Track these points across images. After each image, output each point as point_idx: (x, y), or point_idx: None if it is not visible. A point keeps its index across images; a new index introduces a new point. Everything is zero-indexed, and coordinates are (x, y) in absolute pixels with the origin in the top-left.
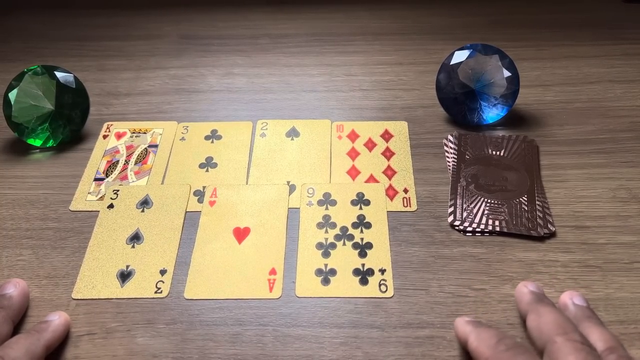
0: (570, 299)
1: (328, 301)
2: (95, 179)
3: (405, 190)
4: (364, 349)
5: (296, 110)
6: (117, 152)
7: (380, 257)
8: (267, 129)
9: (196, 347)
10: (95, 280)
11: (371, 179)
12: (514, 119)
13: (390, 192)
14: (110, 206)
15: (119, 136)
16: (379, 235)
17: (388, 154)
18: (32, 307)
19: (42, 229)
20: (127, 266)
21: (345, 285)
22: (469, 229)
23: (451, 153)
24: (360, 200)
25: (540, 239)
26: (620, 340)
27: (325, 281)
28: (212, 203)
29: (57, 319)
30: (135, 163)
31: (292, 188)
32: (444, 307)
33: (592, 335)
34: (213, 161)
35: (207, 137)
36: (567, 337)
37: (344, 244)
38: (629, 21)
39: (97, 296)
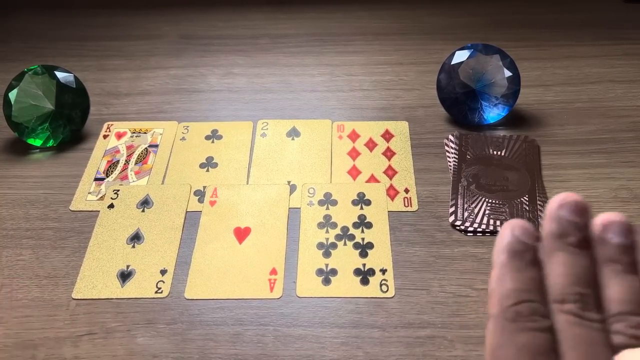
0: (605, 229)
1: (329, 301)
2: (96, 179)
3: (406, 190)
4: (364, 349)
5: (297, 110)
6: (118, 152)
7: (381, 257)
8: (267, 128)
9: (196, 347)
10: (95, 280)
11: (372, 178)
12: (515, 119)
13: (391, 192)
14: (111, 206)
15: (119, 136)
16: (379, 235)
17: (389, 153)
18: (32, 307)
19: (42, 229)
20: (128, 266)
21: (346, 285)
22: (470, 229)
23: (452, 153)
24: (361, 200)
25: None
26: None
27: (326, 281)
28: (212, 203)
29: None
30: (136, 163)
31: (292, 188)
32: (445, 307)
33: (608, 289)
34: (213, 161)
35: (207, 137)
36: (565, 308)
37: (345, 243)
38: (629, 21)
39: (97, 296)
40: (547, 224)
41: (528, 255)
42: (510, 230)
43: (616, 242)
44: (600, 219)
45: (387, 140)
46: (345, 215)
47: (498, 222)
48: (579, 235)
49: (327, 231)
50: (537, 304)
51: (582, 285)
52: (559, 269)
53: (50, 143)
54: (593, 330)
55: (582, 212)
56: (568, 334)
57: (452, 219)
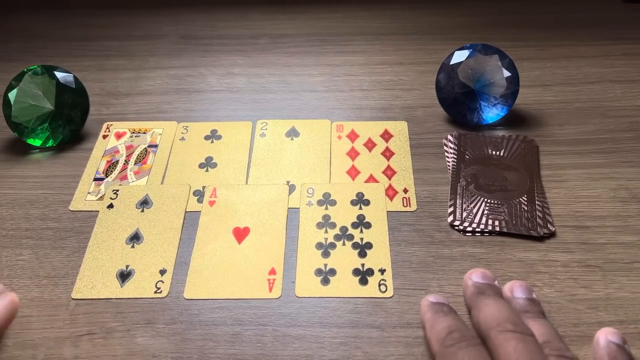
0: (510, 291)
1: (328, 301)
2: (95, 179)
3: (405, 190)
4: (363, 349)
5: (296, 110)
6: (117, 152)
7: (380, 257)
8: (266, 128)
9: (196, 347)
10: (95, 280)
11: (371, 178)
12: (514, 119)
13: (390, 192)
14: (110, 206)
15: (118, 136)
16: (378, 235)
17: (388, 153)
18: (32, 307)
19: (41, 229)
20: (127, 266)
21: (345, 285)
22: (469, 229)
23: (451, 153)
24: (360, 200)
25: (540, 239)
26: (560, 334)
27: (325, 281)
28: (211, 203)
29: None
30: (135, 163)
31: (291, 188)
32: None
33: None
34: (213, 161)
35: (206, 137)
36: (500, 329)
37: (344, 244)
38: (629, 21)
39: (96, 296)
40: (466, 290)
41: (446, 307)
42: (427, 298)
43: (526, 297)
44: (508, 284)
45: (386, 140)
46: (344, 215)
47: (497, 222)
48: (494, 290)
49: (326, 231)
50: (466, 330)
51: (509, 312)
52: (487, 309)
53: (50, 143)
54: (529, 343)
55: (490, 278)
56: (508, 348)
57: (450, 219)
